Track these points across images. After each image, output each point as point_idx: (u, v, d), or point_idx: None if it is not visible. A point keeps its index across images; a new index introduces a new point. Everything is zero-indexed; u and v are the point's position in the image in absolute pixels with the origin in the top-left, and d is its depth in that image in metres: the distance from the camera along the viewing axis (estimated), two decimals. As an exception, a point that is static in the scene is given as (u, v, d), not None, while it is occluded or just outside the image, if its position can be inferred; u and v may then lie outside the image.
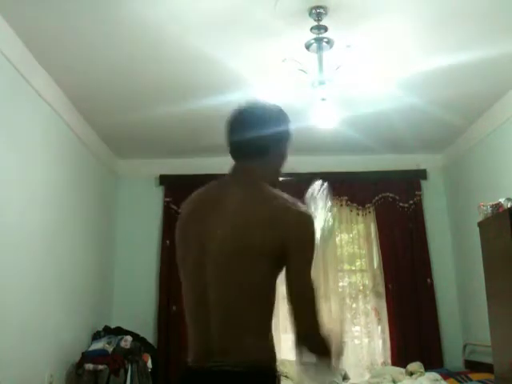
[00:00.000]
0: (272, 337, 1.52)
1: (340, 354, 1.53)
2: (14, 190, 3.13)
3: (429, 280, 5.04)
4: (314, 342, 1.46)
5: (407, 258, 5.08)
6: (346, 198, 5.24)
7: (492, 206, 3.56)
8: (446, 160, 5.30)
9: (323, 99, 2.97)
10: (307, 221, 1.55)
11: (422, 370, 4.34)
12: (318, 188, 1.82)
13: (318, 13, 2.84)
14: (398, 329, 4.91)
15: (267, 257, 1.45)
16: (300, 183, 5.40)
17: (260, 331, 1.49)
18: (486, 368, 3.91)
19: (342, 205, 5.26)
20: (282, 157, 1.78)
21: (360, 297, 5.16)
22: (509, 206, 3.39)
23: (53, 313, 3.65)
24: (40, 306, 3.44)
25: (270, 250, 1.45)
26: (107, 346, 4.05)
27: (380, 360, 4.96)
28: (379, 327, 5.04)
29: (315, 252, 1.51)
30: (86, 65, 3.41)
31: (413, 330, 4.87)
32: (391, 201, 5.24)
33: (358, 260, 5.30)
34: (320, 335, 1.45)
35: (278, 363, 1.50)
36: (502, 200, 3.49)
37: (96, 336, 4.29)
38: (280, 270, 1.49)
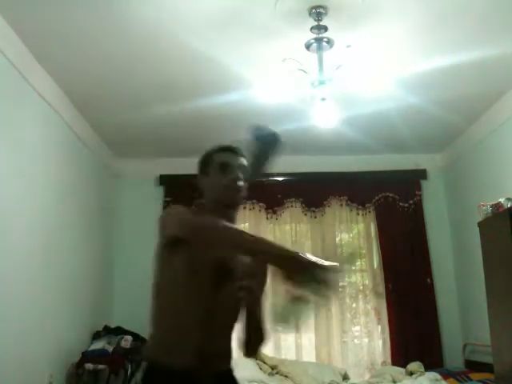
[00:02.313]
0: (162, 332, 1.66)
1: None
2: (13, 190, 3.13)
3: (429, 280, 5.03)
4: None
5: (407, 258, 5.08)
6: (345, 197, 5.25)
7: (492, 206, 3.56)
8: (446, 160, 5.30)
9: (323, 99, 2.97)
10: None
11: (422, 369, 4.33)
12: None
13: (317, 13, 2.84)
14: (397, 329, 4.91)
15: None
16: (300, 183, 5.45)
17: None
18: (486, 368, 3.91)
19: (342, 205, 5.27)
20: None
21: (360, 297, 5.16)
22: (509, 205, 3.39)
23: (53, 313, 3.65)
24: (40, 306, 3.44)
25: None
26: (107, 345, 4.05)
27: (380, 360, 4.96)
28: (379, 327, 5.04)
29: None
30: (85, 65, 3.41)
31: (413, 330, 4.87)
32: (391, 201, 5.24)
33: (358, 260, 5.30)
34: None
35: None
36: (501, 200, 3.49)
37: (96, 336, 4.29)
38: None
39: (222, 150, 1.79)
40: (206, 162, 1.82)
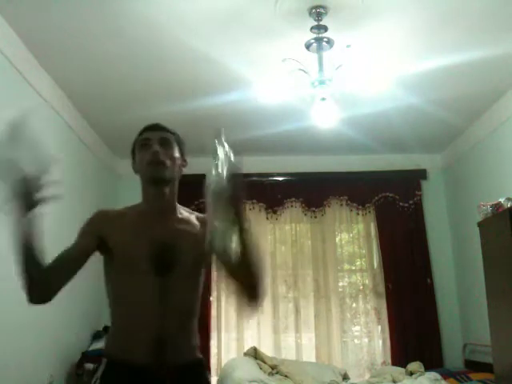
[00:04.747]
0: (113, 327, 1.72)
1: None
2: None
3: (429, 280, 5.04)
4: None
5: (407, 258, 5.08)
6: (345, 197, 5.25)
7: (492, 206, 3.56)
8: (446, 160, 5.30)
9: (323, 99, 2.97)
10: None
11: (422, 369, 4.33)
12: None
13: (318, 13, 2.84)
14: (397, 329, 4.91)
15: None
16: (300, 183, 5.45)
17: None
18: (486, 368, 3.91)
19: (342, 205, 5.27)
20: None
21: (360, 297, 5.16)
22: (509, 205, 3.39)
23: (53, 313, 3.65)
24: (40, 306, 3.43)
25: None
26: (107, 345, 4.05)
27: (380, 360, 4.96)
28: (379, 327, 5.04)
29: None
30: (86, 65, 3.41)
31: (413, 330, 4.87)
32: (391, 201, 5.24)
33: (358, 260, 5.30)
34: None
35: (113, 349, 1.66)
36: (501, 200, 3.49)
37: (96, 336, 4.29)
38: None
39: (142, 131, 1.78)
40: (132, 148, 1.80)
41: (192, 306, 1.66)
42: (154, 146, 1.68)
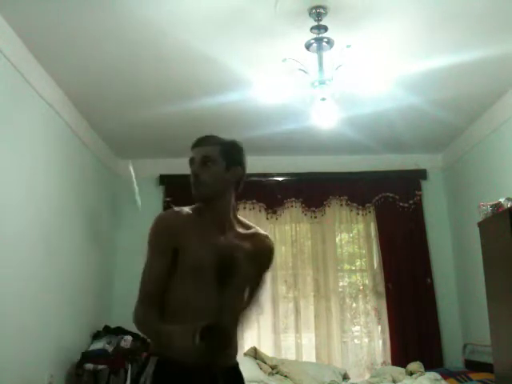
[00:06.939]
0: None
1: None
2: (14, 190, 3.13)
3: (429, 280, 5.04)
4: None
5: (407, 258, 5.08)
6: (345, 197, 5.25)
7: (492, 206, 3.56)
8: (446, 160, 5.30)
9: (323, 99, 2.97)
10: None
11: (422, 369, 4.34)
12: None
13: (317, 13, 2.84)
14: (397, 329, 4.91)
15: None
16: (300, 183, 5.44)
17: None
18: (486, 368, 3.91)
19: (342, 205, 5.27)
20: None
21: (360, 297, 5.16)
22: (509, 205, 3.39)
23: (53, 313, 3.65)
24: (40, 306, 3.44)
25: None
26: (107, 345, 4.05)
27: (380, 360, 4.96)
28: (379, 327, 5.04)
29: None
30: (86, 65, 3.41)
31: (413, 330, 4.87)
32: (391, 201, 5.24)
33: (358, 260, 5.30)
34: None
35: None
36: (501, 200, 3.49)
37: (96, 336, 4.29)
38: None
39: (191, 147, 1.81)
40: None
41: (239, 314, 1.77)
42: (192, 168, 1.73)
